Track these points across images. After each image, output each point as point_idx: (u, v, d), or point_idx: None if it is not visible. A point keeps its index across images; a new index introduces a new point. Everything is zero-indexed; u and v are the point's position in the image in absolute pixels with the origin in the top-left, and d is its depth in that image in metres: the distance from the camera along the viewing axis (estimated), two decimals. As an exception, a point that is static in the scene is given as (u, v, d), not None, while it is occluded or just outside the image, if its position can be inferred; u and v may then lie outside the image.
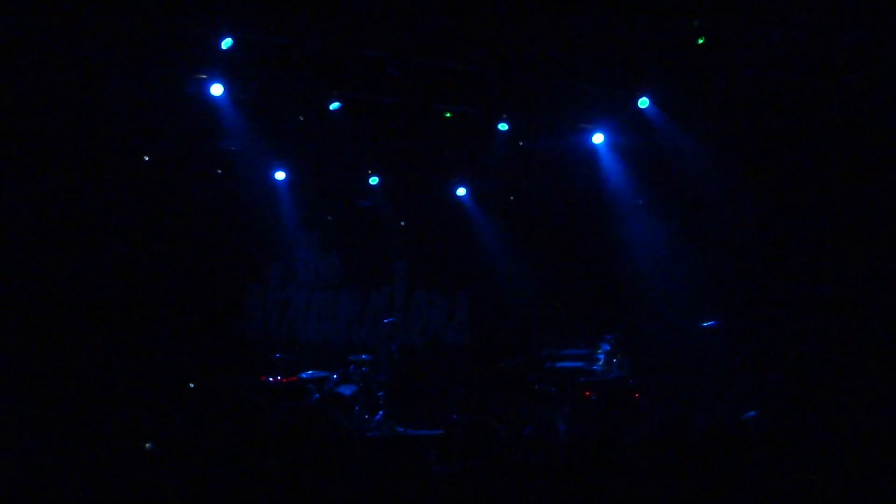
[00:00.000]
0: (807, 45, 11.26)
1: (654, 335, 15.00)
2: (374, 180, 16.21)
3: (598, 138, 14.72)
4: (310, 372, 13.96)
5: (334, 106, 13.40)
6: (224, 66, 12.33)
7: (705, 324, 13.70)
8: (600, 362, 14.00)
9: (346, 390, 13.57)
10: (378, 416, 13.82)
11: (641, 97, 13.56)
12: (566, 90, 13.60)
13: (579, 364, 14.26)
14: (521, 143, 15.29)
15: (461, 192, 16.90)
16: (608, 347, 13.97)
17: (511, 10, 11.36)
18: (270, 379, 13.54)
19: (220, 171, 15.37)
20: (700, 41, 11.78)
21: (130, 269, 14.34)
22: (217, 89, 12.57)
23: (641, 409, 12.66)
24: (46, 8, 10.45)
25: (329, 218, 17.17)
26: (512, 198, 17.35)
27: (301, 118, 14.07)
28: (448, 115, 14.21)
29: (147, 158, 14.15)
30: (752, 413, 7.70)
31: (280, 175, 15.61)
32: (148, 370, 13.49)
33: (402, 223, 17.47)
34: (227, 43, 11.63)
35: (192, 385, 13.01)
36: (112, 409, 12.02)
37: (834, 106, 11.71)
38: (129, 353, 13.66)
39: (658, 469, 6.59)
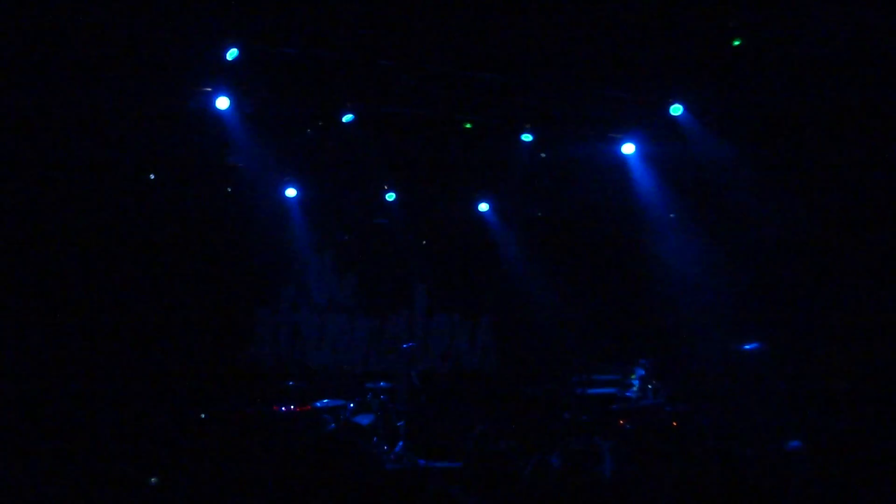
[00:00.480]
0: (854, 46, 11.11)
1: (692, 359, 14.90)
2: (390, 196, 16.19)
3: (628, 148, 14.63)
4: (325, 401, 13.95)
5: (347, 118, 13.41)
6: (230, 78, 12.31)
7: (747, 346, 13.58)
8: (634, 388, 13.95)
9: (364, 420, 13.56)
10: (398, 448, 13.76)
11: (674, 104, 13.44)
12: (594, 97, 13.52)
13: (612, 391, 14.26)
14: (545, 155, 15.25)
15: (483, 207, 16.89)
16: (643, 372, 13.91)
17: (533, 12, 11.29)
18: (283, 408, 13.54)
19: (228, 189, 15.44)
20: (736, 42, 11.63)
21: (133, 293, 14.33)
22: (223, 102, 12.55)
23: (679, 438, 12.47)
24: (40, 20, 10.50)
25: (343, 237, 17.18)
26: (538, 213, 17.34)
27: (312, 132, 14.14)
28: (468, 125, 14.20)
29: (153, 177, 14.16)
30: (796, 443, 7.56)
31: (291, 192, 15.56)
32: (153, 400, 13.48)
33: (422, 242, 17.50)
34: (232, 53, 11.57)
35: (202, 416, 12.99)
36: (115, 441, 12.06)
37: (887, 113, 11.56)
38: (133, 382, 13.65)
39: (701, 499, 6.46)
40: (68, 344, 13.41)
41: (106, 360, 13.63)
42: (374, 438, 13.48)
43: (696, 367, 14.67)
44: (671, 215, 15.90)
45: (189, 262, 15.24)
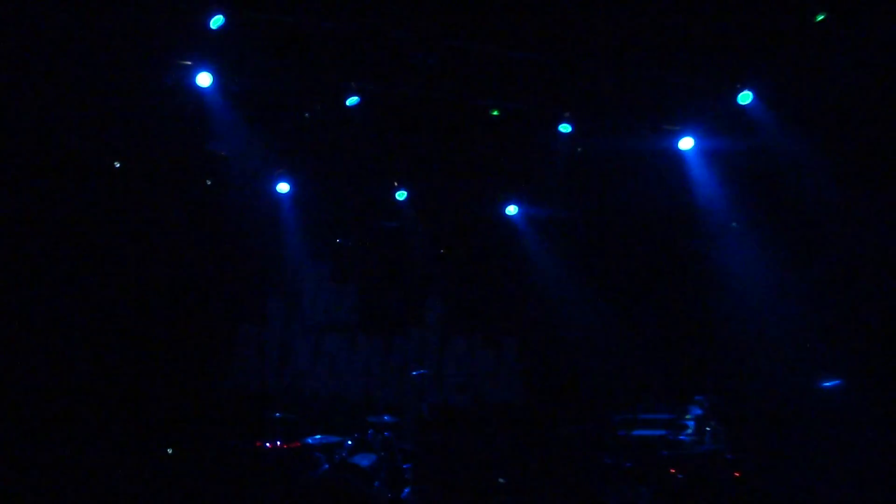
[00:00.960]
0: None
1: (759, 397, 14.67)
2: (401, 195, 16.13)
3: (686, 143, 14.56)
4: (318, 437, 13.80)
5: (352, 101, 13.30)
6: (213, 50, 12.23)
7: (826, 383, 13.36)
8: (689, 431, 13.75)
9: (364, 461, 13.38)
10: (404, 494, 13.57)
11: (743, 91, 13.32)
12: (646, 81, 13.43)
13: (662, 433, 14.05)
14: (586, 149, 15.09)
15: (511, 210, 16.82)
16: (699, 412, 13.73)
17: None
18: (268, 445, 13.40)
19: (207, 182, 15.33)
20: (819, 17, 11.49)
21: (92, 303, 14.31)
22: (205, 79, 12.47)
23: (744, 492, 12.34)
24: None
25: (344, 242, 17.12)
26: (576, 218, 17.19)
27: (309, 116, 13.98)
28: (495, 113, 14.08)
29: (117, 165, 14.13)
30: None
31: (283, 187, 15.53)
32: (118, 431, 13.45)
33: (437, 249, 17.42)
34: (217, 21, 11.49)
35: (168, 451, 12.97)
36: (73, 481, 12.03)
37: None
38: (98, 410, 13.64)
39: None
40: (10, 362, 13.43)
41: (55, 384, 13.62)
42: (376, 483, 13.28)
43: (765, 408, 14.45)
44: (733, 224, 15.74)
45: (160, 268, 15.17)
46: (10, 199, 13.44)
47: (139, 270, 14.96)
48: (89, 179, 14.18)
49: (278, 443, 13.43)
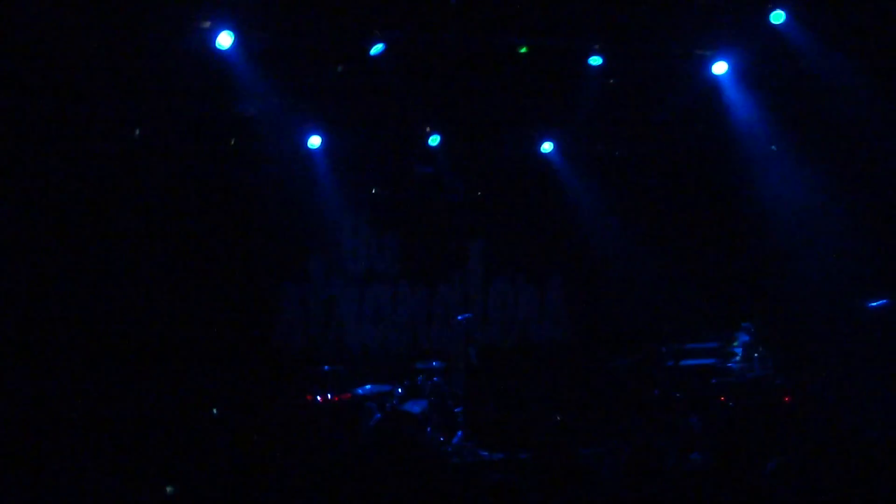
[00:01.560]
0: None
1: (806, 321, 14.63)
2: (434, 140, 15.93)
3: (720, 67, 14.28)
4: (368, 387, 14.01)
5: (377, 49, 13.15)
6: (233, 10, 12.13)
7: (874, 303, 13.26)
8: (737, 358, 13.83)
9: (415, 407, 13.57)
10: (456, 439, 13.77)
11: (775, 10, 12.97)
12: (676, 6, 13.16)
13: (710, 361, 14.10)
14: (618, 80, 14.89)
15: (547, 147, 16.62)
16: (747, 338, 13.78)
17: None
18: (319, 398, 13.60)
19: (237, 144, 15.27)
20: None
21: (132, 274, 14.39)
22: (225, 39, 12.34)
23: (794, 417, 12.42)
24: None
25: (380, 192, 17.07)
26: (613, 152, 17.09)
27: (336, 67, 13.88)
28: (524, 50, 13.90)
29: (138, 132, 14.11)
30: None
31: (315, 141, 15.38)
32: (165, 393, 13.59)
33: (475, 192, 17.33)
34: (234, -22, 11.48)
35: (214, 412, 13.09)
36: (123, 441, 12.22)
37: None
38: (141, 373, 13.77)
39: (821, 498, 6.31)
40: (64, 334, 13.56)
41: (105, 349, 13.76)
42: (428, 429, 13.47)
43: (812, 331, 14.43)
44: (773, 147, 15.56)
45: (196, 233, 15.23)
46: (37, 168, 13.47)
47: (175, 238, 14.96)
48: (115, 149, 14.14)
49: (329, 395, 13.58)
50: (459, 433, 13.84)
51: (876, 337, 13.30)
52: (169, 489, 10.91)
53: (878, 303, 13.21)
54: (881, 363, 13.05)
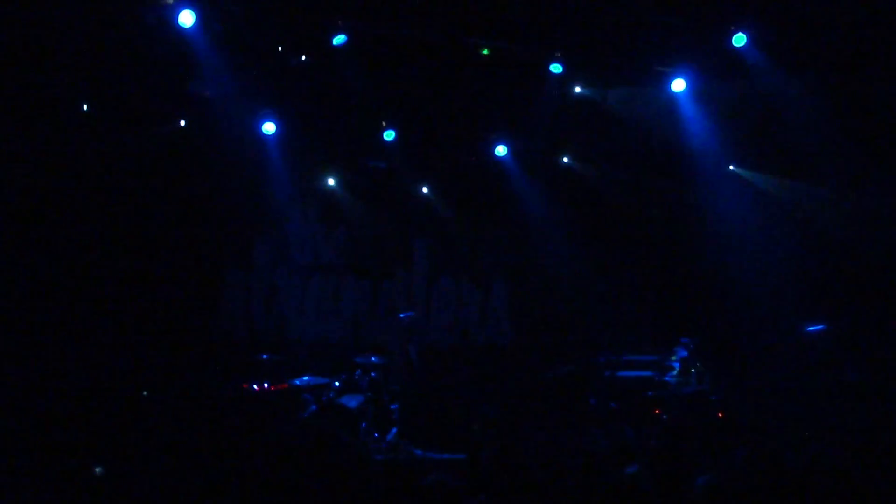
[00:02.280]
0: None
1: (744, 340, 14.81)
2: (389, 135, 15.97)
3: (678, 85, 14.41)
4: (305, 378, 13.92)
5: (339, 40, 13.21)
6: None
7: (811, 327, 13.45)
8: (674, 372, 13.88)
9: (351, 402, 13.52)
10: (390, 435, 13.77)
11: (737, 33, 13.15)
12: (639, 22, 13.30)
13: (647, 374, 14.18)
14: (577, 90, 14.98)
15: (501, 151, 16.66)
16: (685, 354, 13.84)
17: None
18: (255, 387, 13.49)
19: (190, 124, 15.20)
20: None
21: (75, 252, 14.25)
22: (187, 18, 12.30)
23: (725, 433, 12.42)
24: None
25: (331, 184, 17.03)
26: (565, 160, 17.14)
27: (296, 55, 13.87)
28: (485, 52, 13.98)
29: (85, 108, 13.92)
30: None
31: (269, 128, 15.31)
32: (100, 377, 13.46)
33: (425, 190, 17.38)
34: (199, -44, 11.43)
35: (144, 393, 12.95)
36: (53, 425, 12.06)
37: None
38: (76, 356, 13.61)
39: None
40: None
41: (43, 326, 13.60)
42: (363, 424, 13.45)
43: (749, 350, 14.62)
44: (730, 167, 15.77)
45: (144, 212, 15.14)
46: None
47: (123, 216, 14.85)
48: (68, 123, 14.01)
49: (266, 385, 13.49)
50: (394, 430, 13.83)
51: (811, 361, 13.48)
52: (98, 470, 10.77)
53: (816, 327, 13.41)
54: (815, 387, 13.23)
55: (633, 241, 17.05)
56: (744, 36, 13.15)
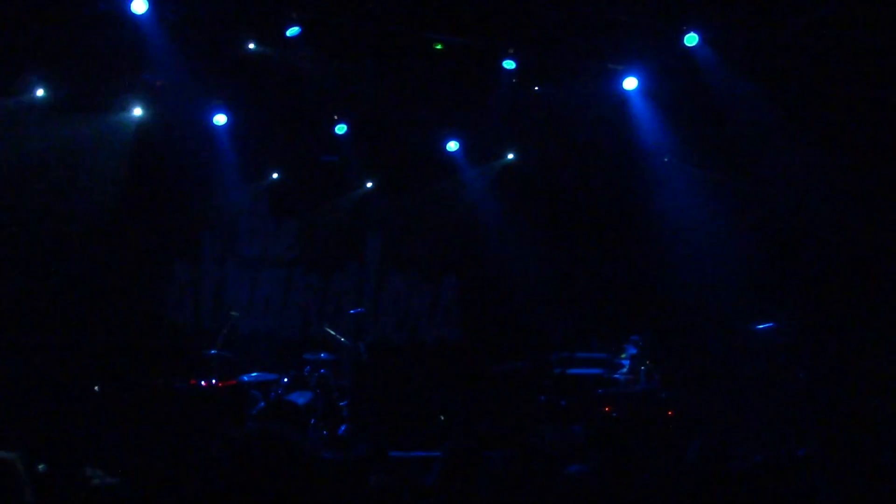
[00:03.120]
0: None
1: (694, 338, 14.87)
2: (341, 129, 15.98)
3: (630, 83, 14.47)
4: (254, 374, 13.90)
5: (292, 31, 13.07)
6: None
7: (760, 325, 13.57)
8: (624, 370, 14.00)
9: (300, 398, 13.46)
10: (340, 432, 13.68)
11: (689, 32, 13.17)
12: (592, 20, 13.24)
13: (597, 371, 14.24)
14: (530, 87, 15.03)
15: (453, 146, 16.72)
16: (635, 351, 13.95)
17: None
18: (202, 382, 13.40)
19: (141, 112, 15.00)
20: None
21: (18, 242, 14.03)
22: (140, 5, 12.15)
23: (674, 431, 12.56)
24: None
25: (282, 176, 16.97)
26: (517, 156, 17.17)
27: (249, 45, 13.71)
28: (439, 46, 13.94)
29: (41, 94, 13.70)
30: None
31: (220, 119, 15.30)
32: (44, 370, 13.24)
33: (377, 184, 17.36)
34: (153, -55, 11.27)
35: (96, 388, 12.77)
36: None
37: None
38: (23, 350, 13.38)
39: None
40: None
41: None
42: (312, 420, 13.41)
43: (699, 348, 14.66)
44: (680, 164, 15.87)
45: (89, 201, 14.94)
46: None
47: (68, 204, 14.67)
48: (14, 108, 13.85)
49: (213, 381, 13.40)
50: (343, 427, 13.77)
51: (760, 358, 13.58)
52: (41, 467, 10.59)
53: (765, 325, 13.51)
54: (764, 383, 13.33)
55: (583, 238, 17.15)
56: (696, 35, 13.21)
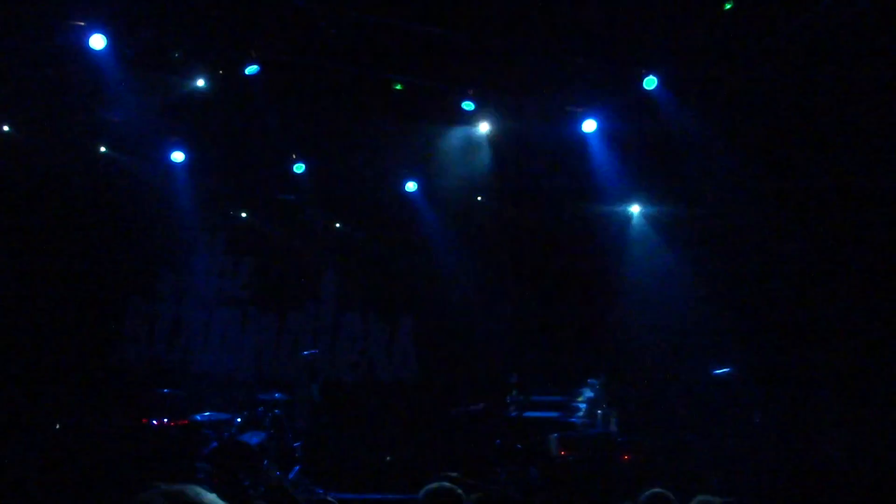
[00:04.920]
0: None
1: (651, 382, 14.90)
2: (299, 167, 15.87)
3: (589, 125, 14.49)
4: (207, 413, 13.66)
5: (251, 69, 13.05)
6: (108, 11, 11.87)
7: (717, 370, 13.60)
8: (581, 413, 13.96)
9: (253, 438, 13.30)
10: (292, 474, 13.56)
11: (648, 75, 13.26)
12: (551, 63, 13.33)
13: (554, 414, 14.25)
14: (489, 128, 15.05)
15: (411, 186, 16.68)
16: (592, 395, 13.93)
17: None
18: (154, 422, 13.20)
19: (99, 150, 14.88)
20: (728, 6, 11.59)
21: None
22: (98, 41, 12.08)
23: (631, 476, 12.52)
24: None
25: (238, 214, 16.91)
26: (475, 197, 17.17)
27: (207, 83, 13.63)
28: (399, 87, 13.94)
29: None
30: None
31: (177, 156, 15.19)
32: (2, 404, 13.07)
33: (334, 224, 17.31)
34: (111, -20, 11.21)
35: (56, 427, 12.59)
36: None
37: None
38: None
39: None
40: None
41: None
42: (265, 462, 13.18)
43: (656, 393, 14.70)
44: (637, 207, 15.90)
45: (45, 237, 14.77)
46: None
47: (22, 239, 14.51)
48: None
49: (165, 420, 13.22)
50: (296, 468, 13.65)
51: (717, 403, 13.62)
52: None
53: (722, 370, 13.56)
54: (720, 427, 13.37)
55: (542, 280, 17.09)
56: (654, 78, 13.31)
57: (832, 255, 13.14)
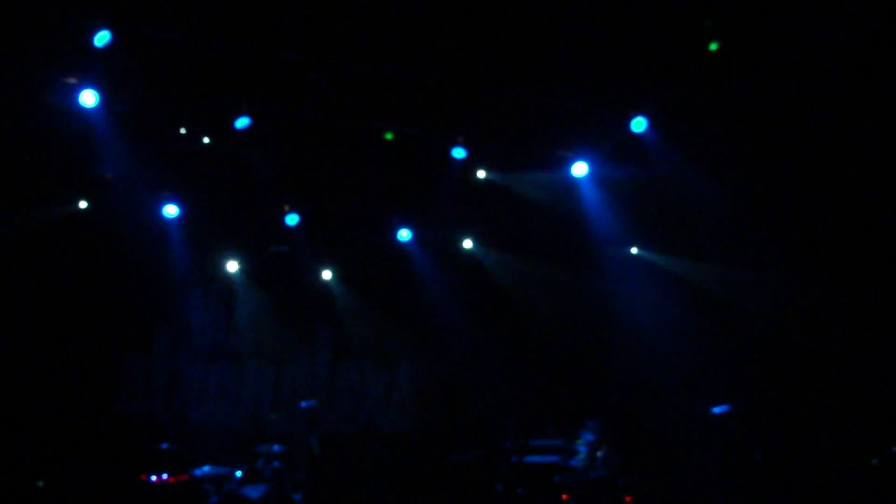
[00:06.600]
0: (842, 54, 11.23)
1: (650, 423, 14.83)
2: (292, 219, 15.85)
3: (579, 169, 14.52)
4: (206, 468, 13.58)
5: (242, 122, 13.02)
6: (99, 68, 11.81)
7: (716, 409, 13.52)
8: (581, 456, 13.84)
9: (253, 492, 13.21)
10: (293, 526, 13.41)
11: (637, 117, 13.31)
12: (540, 108, 13.35)
13: (554, 459, 14.11)
14: (480, 175, 15.06)
15: (404, 235, 16.67)
16: (591, 438, 13.82)
17: (470, 6, 11.12)
18: (153, 477, 13.11)
19: (91, 206, 14.87)
20: (713, 47, 11.62)
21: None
22: (89, 98, 12.07)
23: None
24: None
25: (233, 268, 16.81)
26: (469, 245, 17.16)
27: (198, 137, 13.66)
28: (389, 136, 13.95)
29: None
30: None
31: (171, 210, 15.16)
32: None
33: (329, 274, 17.25)
34: (102, 38, 11.04)
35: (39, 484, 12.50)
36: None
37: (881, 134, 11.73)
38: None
39: None
40: None
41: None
42: (266, 514, 13.09)
43: (656, 433, 14.63)
44: (631, 251, 15.93)
45: (41, 294, 14.76)
46: None
47: (20, 297, 14.46)
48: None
49: (164, 476, 13.15)
50: (298, 519, 13.56)
51: (717, 441, 13.56)
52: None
53: (721, 408, 13.49)
54: (721, 466, 13.30)
55: (537, 325, 17.12)
56: (643, 120, 13.35)
57: (829, 294, 13.16)
